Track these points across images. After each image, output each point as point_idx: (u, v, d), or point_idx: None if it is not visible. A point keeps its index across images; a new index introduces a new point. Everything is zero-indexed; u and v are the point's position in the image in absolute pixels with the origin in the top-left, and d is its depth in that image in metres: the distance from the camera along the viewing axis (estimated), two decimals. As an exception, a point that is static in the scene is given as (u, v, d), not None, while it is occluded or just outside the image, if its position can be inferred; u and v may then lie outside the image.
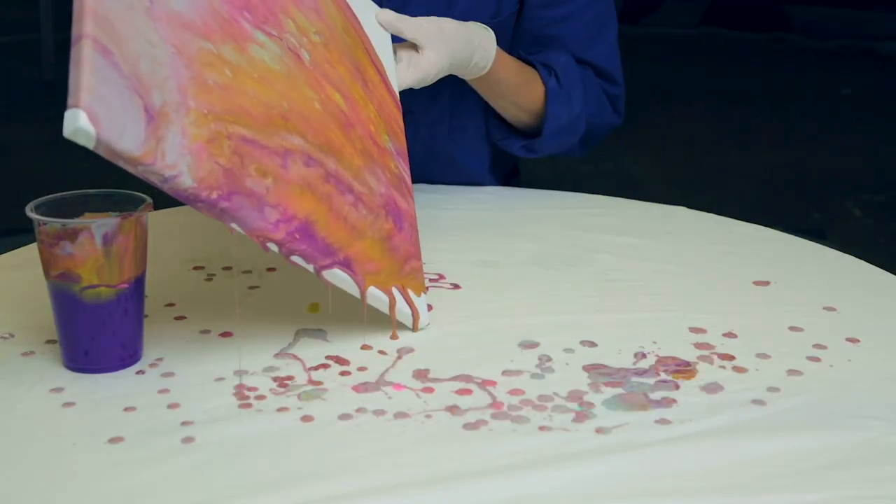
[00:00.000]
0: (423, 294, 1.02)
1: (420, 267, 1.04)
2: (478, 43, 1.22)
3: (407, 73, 1.17)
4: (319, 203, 0.94)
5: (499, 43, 1.32)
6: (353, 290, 0.95)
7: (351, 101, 1.05)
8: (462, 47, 1.20)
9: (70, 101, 0.77)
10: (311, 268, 0.92)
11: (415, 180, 1.40)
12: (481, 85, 1.29)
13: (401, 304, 0.98)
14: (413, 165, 1.29)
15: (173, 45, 0.88)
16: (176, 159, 0.83)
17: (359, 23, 1.14)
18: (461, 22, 1.22)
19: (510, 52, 1.33)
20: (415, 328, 0.99)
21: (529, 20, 1.35)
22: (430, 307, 1.02)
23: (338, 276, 0.93)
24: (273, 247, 0.89)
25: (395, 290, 0.98)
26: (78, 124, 0.76)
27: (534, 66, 1.32)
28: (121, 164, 0.80)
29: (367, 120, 1.06)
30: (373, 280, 0.97)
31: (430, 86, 1.28)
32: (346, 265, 0.95)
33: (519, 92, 1.31)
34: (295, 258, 0.91)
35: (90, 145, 0.77)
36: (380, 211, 1.01)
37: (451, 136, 1.39)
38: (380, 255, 0.99)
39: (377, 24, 1.18)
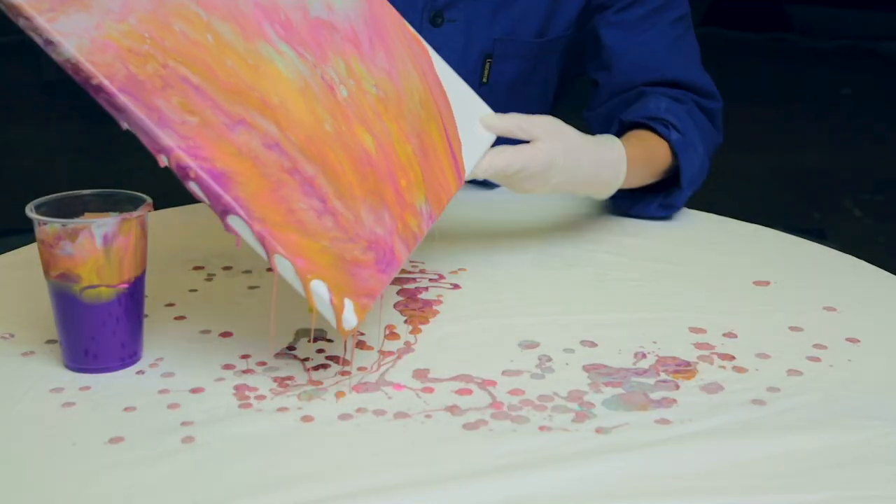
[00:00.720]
0: (358, 318, 0.88)
1: (370, 306, 0.89)
2: (609, 161, 1.15)
3: (499, 158, 1.06)
4: (257, 177, 0.86)
5: (542, 63, 1.30)
6: (253, 242, 0.86)
7: (385, 150, 0.97)
8: (575, 147, 1.11)
9: None
10: (206, 201, 0.84)
11: None
12: None
13: (318, 287, 0.86)
14: None
15: None
16: (67, 31, 0.80)
17: (448, 109, 1.06)
18: (587, 136, 1.15)
19: (565, 71, 1.33)
20: (337, 325, 0.86)
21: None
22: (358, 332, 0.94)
23: (239, 224, 0.85)
24: (165, 160, 0.83)
25: (318, 282, 0.86)
26: None
27: (646, 127, 1.25)
28: (4, 10, 0.79)
29: (398, 172, 0.97)
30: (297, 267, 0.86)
31: (519, 103, 1.21)
32: (260, 237, 0.85)
33: (649, 172, 1.24)
34: (192, 185, 0.84)
35: None
36: (358, 240, 0.90)
37: None
38: (327, 265, 0.87)
39: (479, 131, 1.08)
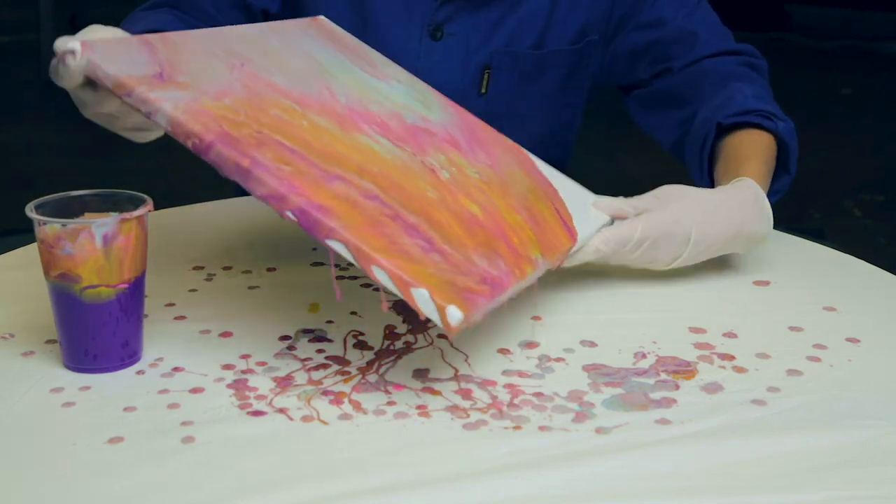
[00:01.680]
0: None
1: (476, 312, 0.85)
2: (749, 202, 1.10)
3: (615, 228, 1.05)
4: (356, 215, 0.85)
5: (541, 76, 1.32)
6: (354, 261, 0.84)
7: (493, 216, 0.96)
8: (701, 199, 1.08)
9: None
10: (292, 219, 0.84)
11: None
12: None
13: (420, 292, 0.83)
14: None
15: (244, 84, 0.90)
16: (164, 98, 0.85)
17: (557, 195, 1.07)
18: (714, 189, 1.12)
19: (608, 73, 1.36)
20: (443, 322, 0.82)
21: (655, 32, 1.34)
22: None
23: (338, 246, 0.84)
24: (261, 193, 0.85)
25: (419, 289, 0.83)
26: (68, 45, 0.84)
27: (748, 125, 1.23)
28: (108, 87, 0.85)
29: (509, 233, 0.95)
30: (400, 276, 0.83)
31: (518, 114, 1.27)
32: (356, 251, 0.83)
33: (770, 176, 1.20)
34: (289, 214, 0.84)
35: (81, 65, 0.84)
36: (471, 274, 0.87)
37: None
38: (434, 285, 0.83)
39: (593, 213, 1.08)
